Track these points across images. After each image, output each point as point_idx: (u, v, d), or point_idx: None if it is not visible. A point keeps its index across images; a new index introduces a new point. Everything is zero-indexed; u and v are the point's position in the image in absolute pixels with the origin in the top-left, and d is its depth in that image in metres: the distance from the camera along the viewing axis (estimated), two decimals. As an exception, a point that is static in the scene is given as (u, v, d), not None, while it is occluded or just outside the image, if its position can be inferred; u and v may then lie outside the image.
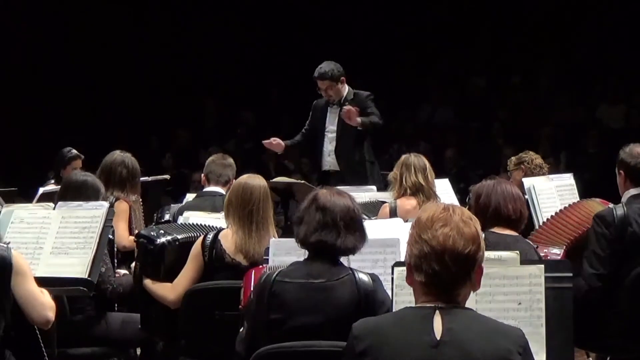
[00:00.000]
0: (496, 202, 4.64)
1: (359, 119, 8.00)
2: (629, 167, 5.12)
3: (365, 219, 6.09)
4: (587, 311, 4.64)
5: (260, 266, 4.34)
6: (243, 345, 3.90)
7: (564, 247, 5.13)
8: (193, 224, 5.38)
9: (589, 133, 12.36)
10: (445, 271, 2.80)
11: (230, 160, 6.60)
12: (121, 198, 6.39)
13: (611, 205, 5.14)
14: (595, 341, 4.90)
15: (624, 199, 5.13)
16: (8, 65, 13.01)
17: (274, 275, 3.80)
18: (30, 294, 4.27)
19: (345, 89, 8.29)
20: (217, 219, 5.52)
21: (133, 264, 5.43)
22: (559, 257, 5.07)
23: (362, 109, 8.19)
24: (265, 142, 8.42)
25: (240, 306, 4.23)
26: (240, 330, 4.13)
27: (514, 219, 4.66)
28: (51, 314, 4.31)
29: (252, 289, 4.12)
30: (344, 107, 8.08)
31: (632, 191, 5.11)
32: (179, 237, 5.10)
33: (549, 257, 4.99)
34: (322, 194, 3.93)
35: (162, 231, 5.17)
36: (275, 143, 8.37)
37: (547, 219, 5.54)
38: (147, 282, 5.07)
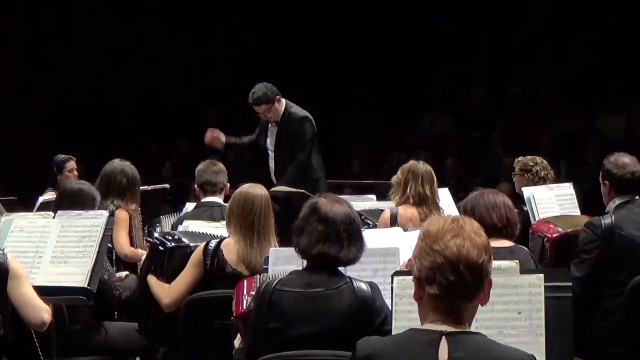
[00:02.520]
0: (479, 214, 4.58)
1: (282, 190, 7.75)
2: (615, 178, 5.15)
3: (369, 223, 6.17)
4: (582, 318, 4.66)
5: (251, 277, 4.32)
6: (243, 355, 3.89)
7: (568, 231, 5.21)
8: (205, 232, 5.39)
9: (588, 142, 12.36)
10: (460, 281, 2.75)
11: (221, 166, 6.57)
12: (121, 207, 6.40)
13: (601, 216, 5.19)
14: (594, 349, 4.91)
15: (609, 208, 5.17)
16: (8, 73, 13.02)
17: (273, 284, 3.79)
18: (25, 296, 4.29)
19: (282, 105, 8.16)
20: (217, 228, 5.53)
21: (142, 259, 5.46)
22: (560, 233, 5.19)
23: (295, 133, 8.08)
24: (206, 136, 8.33)
25: (232, 317, 4.22)
26: (234, 341, 4.14)
27: (500, 227, 4.60)
28: (47, 316, 4.33)
29: (242, 299, 4.11)
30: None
31: (617, 200, 5.15)
32: (191, 244, 5.12)
33: (550, 227, 5.13)
34: (322, 203, 3.90)
35: (176, 236, 5.22)
36: (215, 137, 8.28)
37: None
38: (150, 278, 5.09)
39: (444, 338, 2.73)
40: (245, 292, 4.14)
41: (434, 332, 2.75)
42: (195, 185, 6.58)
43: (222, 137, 8.38)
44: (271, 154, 8.31)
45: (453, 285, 2.74)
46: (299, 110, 8.19)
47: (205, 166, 6.54)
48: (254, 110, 8.17)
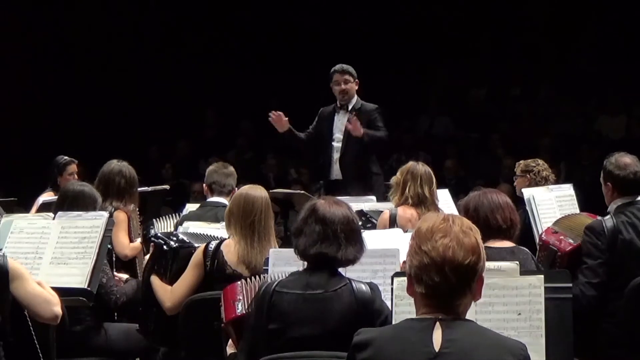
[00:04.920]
0: (484, 214, 4.57)
1: (362, 131, 7.97)
2: (618, 178, 5.13)
3: (375, 222, 6.17)
4: (585, 321, 4.65)
5: (238, 281, 4.31)
6: (242, 356, 3.88)
7: (579, 243, 5.14)
8: (207, 234, 5.39)
9: (588, 144, 12.36)
10: (445, 282, 2.80)
11: (232, 169, 6.59)
12: (120, 208, 6.39)
13: (600, 217, 5.16)
14: (594, 351, 4.90)
15: (610, 209, 5.16)
16: (8, 74, 13.03)
17: (273, 285, 3.80)
18: (32, 293, 4.28)
19: (356, 95, 8.31)
20: (217, 229, 5.53)
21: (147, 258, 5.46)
22: (572, 246, 5.12)
23: (368, 121, 8.17)
24: (273, 113, 8.36)
25: (222, 324, 4.21)
26: (226, 348, 4.13)
27: (504, 228, 4.59)
28: (57, 308, 4.31)
29: (232, 304, 4.11)
30: (351, 116, 8.07)
31: (619, 201, 5.14)
32: (195, 245, 5.12)
33: (561, 239, 5.10)
34: (320, 205, 3.91)
35: (180, 237, 5.22)
36: (282, 119, 8.29)
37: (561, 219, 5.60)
38: (154, 279, 5.10)
39: (438, 323, 2.80)
40: (234, 298, 4.13)
41: (428, 319, 2.82)
42: (204, 185, 6.59)
43: (287, 123, 8.38)
44: (336, 145, 8.30)
45: (437, 286, 2.81)
46: (369, 103, 8.35)
47: (217, 167, 6.57)
48: (331, 80, 8.27)
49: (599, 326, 4.96)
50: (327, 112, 8.41)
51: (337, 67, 8.31)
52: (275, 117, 8.33)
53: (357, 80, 8.29)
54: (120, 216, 6.30)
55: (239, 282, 4.22)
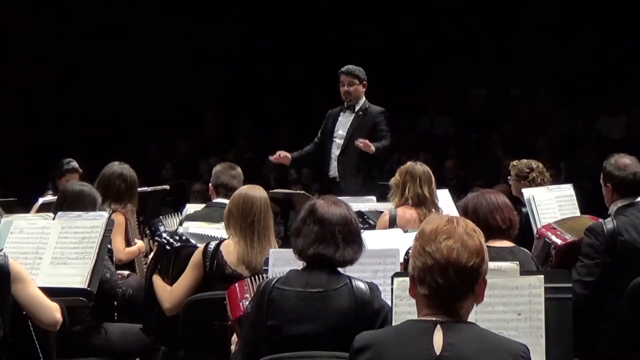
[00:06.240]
0: (483, 215, 4.58)
1: (373, 147, 7.97)
2: (617, 179, 5.13)
3: (372, 223, 6.17)
4: (585, 321, 4.65)
5: (242, 280, 4.31)
6: (240, 355, 3.88)
7: (575, 239, 5.16)
8: (210, 234, 5.39)
9: (588, 144, 12.35)
10: (448, 284, 2.79)
11: (239, 170, 6.59)
12: (118, 210, 6.38)
13: (601, 220, 5.17)
14: (594, 351, 4.90)
15: (611, 210, 5.16)
16: (8, 74, 13.03)
17: (273, 282, 3.80)
18: (34, 297, 4.29)
19: (363, 97, 8.36)
20: (216, 229, 5.53)
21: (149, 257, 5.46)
22: (567, 241, 5.15)
23: (373, 124, 8.22)
24: (271, 157, 8.48)
25: (229, 322, 4.21)
26: (232, 347, 4.13)
27: (504, 229, 4.62)
28: (58, 315, 4.33)
29: (239, 303, 4.12)
30: (358, 140, 8.04)
31: (619, 202, 5.14)
32: (198, 245, 5.12)
33: (558, 234, 5.12)
34: (319, 205, 3.91)
35: (184, 237, 5.23)
36: (283, 156, 8.40)
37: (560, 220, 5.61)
38: (156, 279, 5.11)
39: (438, 326, 2.79)
40: (241, 296, 4.14)
41: (429, 321, 2.82)
42: (210, 185, 6.58)
43: (289, 156, 8.48)
44: (338, 141, 8.37)
45: (441, 287, 2.80)
46: (377, 106, 8.40)
47: (224, 168, 6.56)
48: (338, 80, 8.34)
49: (599, 326, 4.97)
50: (333, 113, 8.50)
51: (344, 68, 8.37)
52: (277, 159, 8.45)
53: (364, 82, 8.32)
54: (118, 218, 6.27)
55: (246, 281, 4.23)
